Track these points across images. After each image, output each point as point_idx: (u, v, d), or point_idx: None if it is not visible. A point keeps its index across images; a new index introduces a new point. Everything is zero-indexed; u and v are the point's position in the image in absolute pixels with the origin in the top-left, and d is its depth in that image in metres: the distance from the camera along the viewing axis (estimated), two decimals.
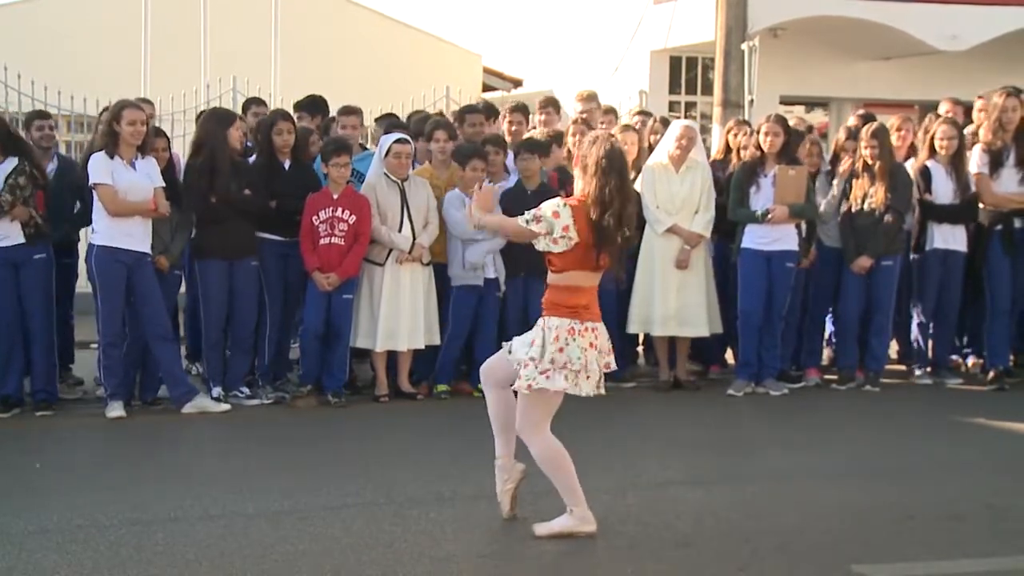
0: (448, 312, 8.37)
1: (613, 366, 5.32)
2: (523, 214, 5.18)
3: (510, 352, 5.29)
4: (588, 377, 5.14)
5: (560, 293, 5.17)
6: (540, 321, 5.18)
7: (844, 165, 8.94)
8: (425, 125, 8.86)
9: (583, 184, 5.17)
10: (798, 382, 8.96)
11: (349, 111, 8.80)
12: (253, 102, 9.57)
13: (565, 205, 5.10)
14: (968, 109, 9.69)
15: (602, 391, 5.26)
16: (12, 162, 7.52)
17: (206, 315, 8.09)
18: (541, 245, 5.13)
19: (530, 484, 5.94)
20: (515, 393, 5.29)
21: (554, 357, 5.06)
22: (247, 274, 8.08)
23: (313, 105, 9.23)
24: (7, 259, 7.55)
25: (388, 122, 9.03)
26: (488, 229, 5.79)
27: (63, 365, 8.31)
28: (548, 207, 5.10)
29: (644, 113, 9.92)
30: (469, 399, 8.38)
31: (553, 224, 5.06)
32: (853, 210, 8.73)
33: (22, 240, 7.57)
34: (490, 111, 9.55)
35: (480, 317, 8.41)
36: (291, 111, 9.13)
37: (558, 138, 8.87)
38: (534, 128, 9.30)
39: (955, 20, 15.66)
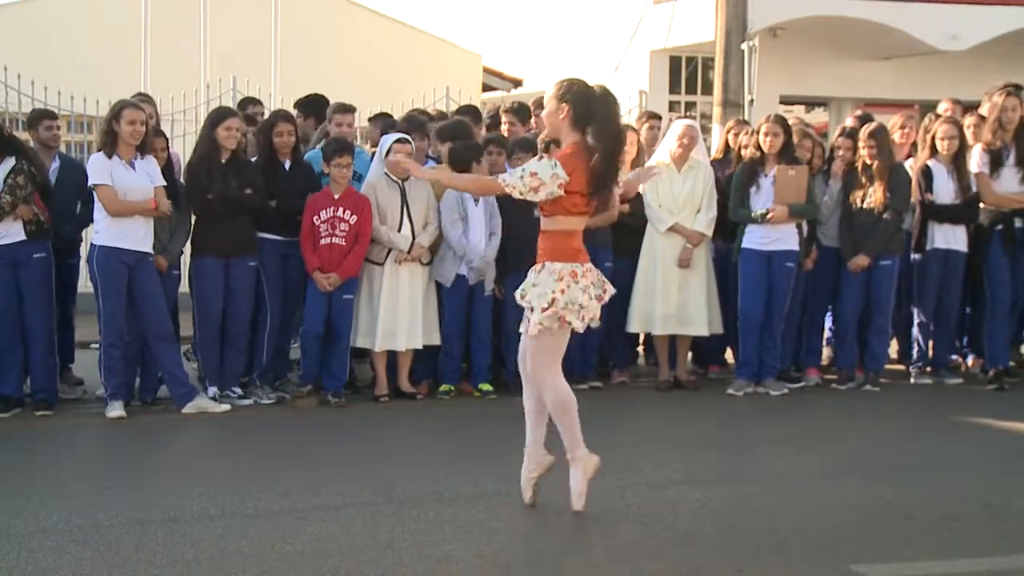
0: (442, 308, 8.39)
1: (611, 291, 5.57)
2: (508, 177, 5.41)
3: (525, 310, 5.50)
4: (583, 317, 5.42)
5: (557, 239, 5.39)
6: (539, 266, 5.41)
7: (837, 165, 8.95)
8: (411, 124, 8.80)
9: (575, 134, 5.40)
10: (798, 382, 8.96)
11: (344, 109, 8.77)
12: (249, 102, 9.56)
13: (554, 162, 5.30)
14: (967, 109, 9.69)
15: (595, 325, 5.67)
16: (9, 162, 7.52)
17: (200, 313, 8.07)
18: (541, 196, 5.31)
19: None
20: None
21: (557, 298, 5.30)
22: (243, 273, 8.07)
23: (314, 104, 9.21)
24: (7, 258, 7.55)
25: (383, 122, 9.02)
26: (442, 183, 5.79)
27: (63, 364, 8.31)
28: (542, 170, 5.27)
29: (652, 115, 9.89)
30: (469, 399, 8.40)
31: (545, 180, 5.26)
32: (853, 210, 8.74)
33: (23, 237, 7.57)
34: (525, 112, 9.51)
35: (472, 316, 8.42)
36: (292, 109, 9.14)
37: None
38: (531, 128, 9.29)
39: (955, 20, 15.68)
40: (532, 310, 5.39)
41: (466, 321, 8.42)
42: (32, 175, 7.57)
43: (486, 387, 8.45)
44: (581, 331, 5.53)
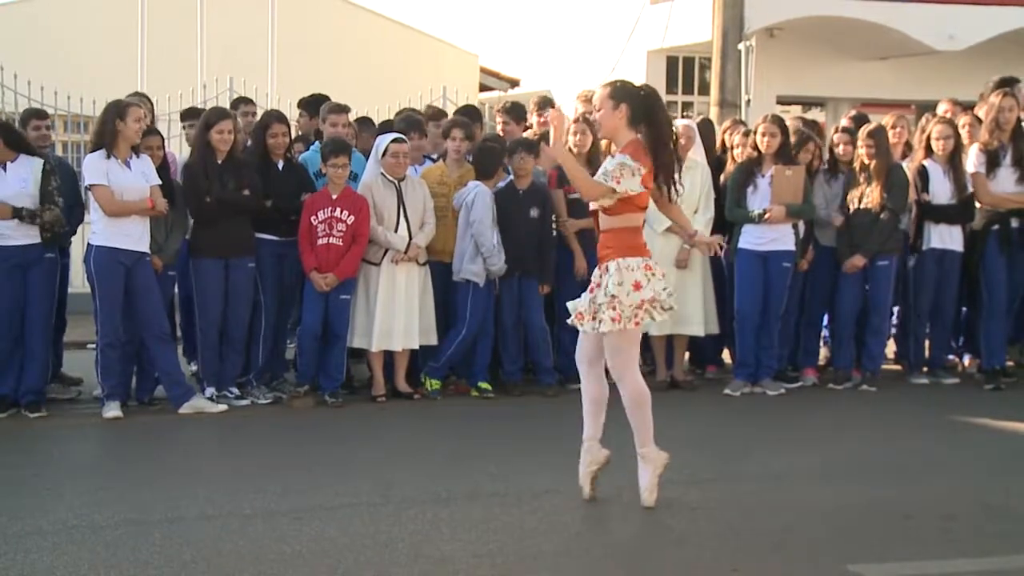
0: (465, 307, 8.34)
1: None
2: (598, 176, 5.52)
3: (583, 317, 5.57)
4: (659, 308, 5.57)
5: (626, 235, 5.52)
6: (611, 264, 5.48)
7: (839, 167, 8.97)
8: (407, 123, 8.80)
9: (632, 133, 5.52)
10: (795, 382, 8.95)
11: (338, 109, 8.75)
12: (241, 102, 9.55)
13: (625, 156, 5.44)
14: (966, 109, 9.69)
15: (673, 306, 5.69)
16: (33, 163, 7.51)
17: (201, 314, 8.07)
18: (624, 187, 5.43)
19: (530, 483, 5.96)
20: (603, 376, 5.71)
21: (632, 294, 5.41)
22: (242, 274, 8.06)
23: (317, 104, 9.19)
24: (19, 258, 7.52)
25: (365, 125, 9.03)
26: (564, 165, 5.79)
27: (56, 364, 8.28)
28: (628, 163, 5.42)
29: None
30: (467, 398, 8.40)
31: (634, 176, 5.43)
32: (851, 210, 8.74)
33: (38, 240, 7.56)
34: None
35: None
36: (293, 110, 9.10)
37: (546, 136, 8.88)
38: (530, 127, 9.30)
39: (952, 20, 15.71)
40: (610, 307, 5.42)
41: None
42: (54, 179, 7.58)
43: (485, 386, 8.45)
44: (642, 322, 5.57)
